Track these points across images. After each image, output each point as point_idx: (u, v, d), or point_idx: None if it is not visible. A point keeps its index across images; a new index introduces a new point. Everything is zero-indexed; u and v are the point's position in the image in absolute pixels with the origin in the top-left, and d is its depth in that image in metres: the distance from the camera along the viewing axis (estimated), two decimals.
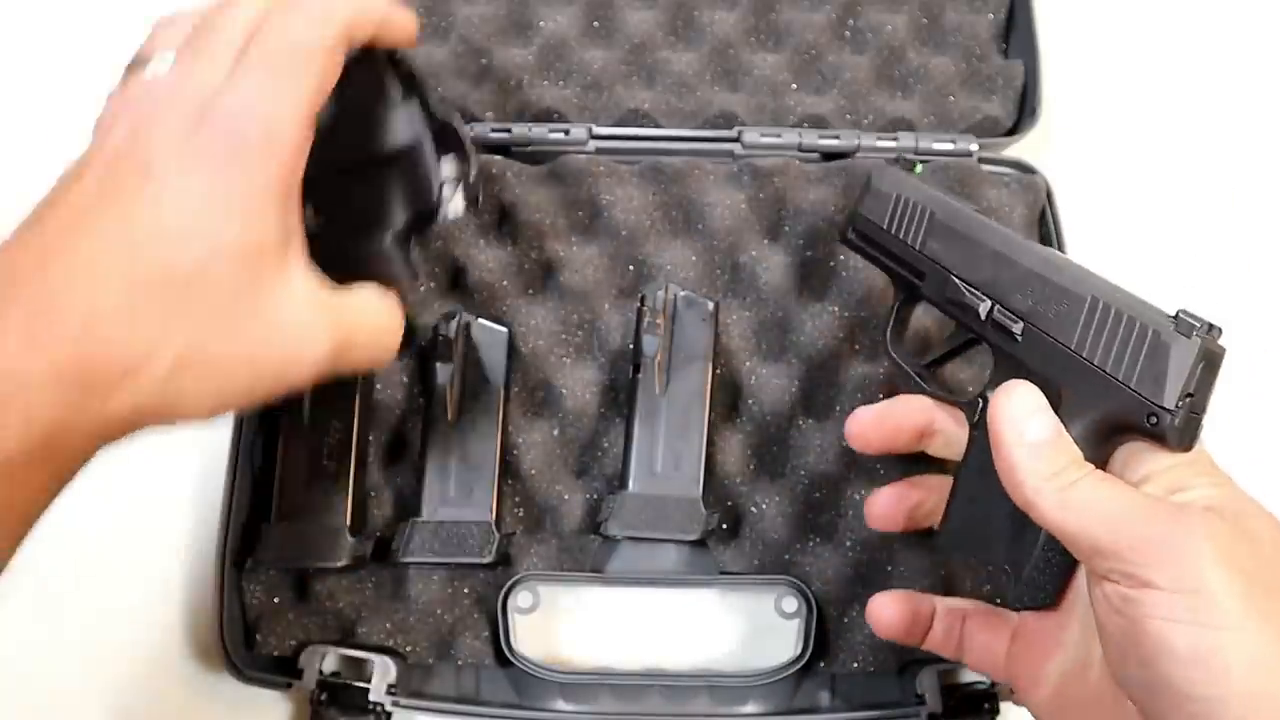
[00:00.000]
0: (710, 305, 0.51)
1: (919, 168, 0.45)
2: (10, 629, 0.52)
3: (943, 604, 0.43)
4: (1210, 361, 0.36)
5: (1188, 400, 0.35)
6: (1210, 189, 0.62)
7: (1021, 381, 0.37)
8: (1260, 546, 0.33)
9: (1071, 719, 0.38)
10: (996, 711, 0.48)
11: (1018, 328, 0.39)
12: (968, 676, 0.50)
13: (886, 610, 0.43)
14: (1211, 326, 0.36)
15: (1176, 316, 0.36)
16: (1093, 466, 0.35)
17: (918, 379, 0.45)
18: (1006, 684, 0.42)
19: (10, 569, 0.53)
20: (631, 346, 0.52)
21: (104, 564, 0.53)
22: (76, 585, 0.52)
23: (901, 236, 0.44)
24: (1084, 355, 0.37)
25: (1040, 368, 0.38)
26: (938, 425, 0.44)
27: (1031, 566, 0.38)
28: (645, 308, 0.51)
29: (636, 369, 0.51)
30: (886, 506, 0.44)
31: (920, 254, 0.43)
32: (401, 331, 0.38)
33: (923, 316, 0.50)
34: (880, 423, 0.44)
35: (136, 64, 0.35)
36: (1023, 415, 0.36)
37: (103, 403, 0.30)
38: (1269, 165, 0.62)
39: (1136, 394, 0.36)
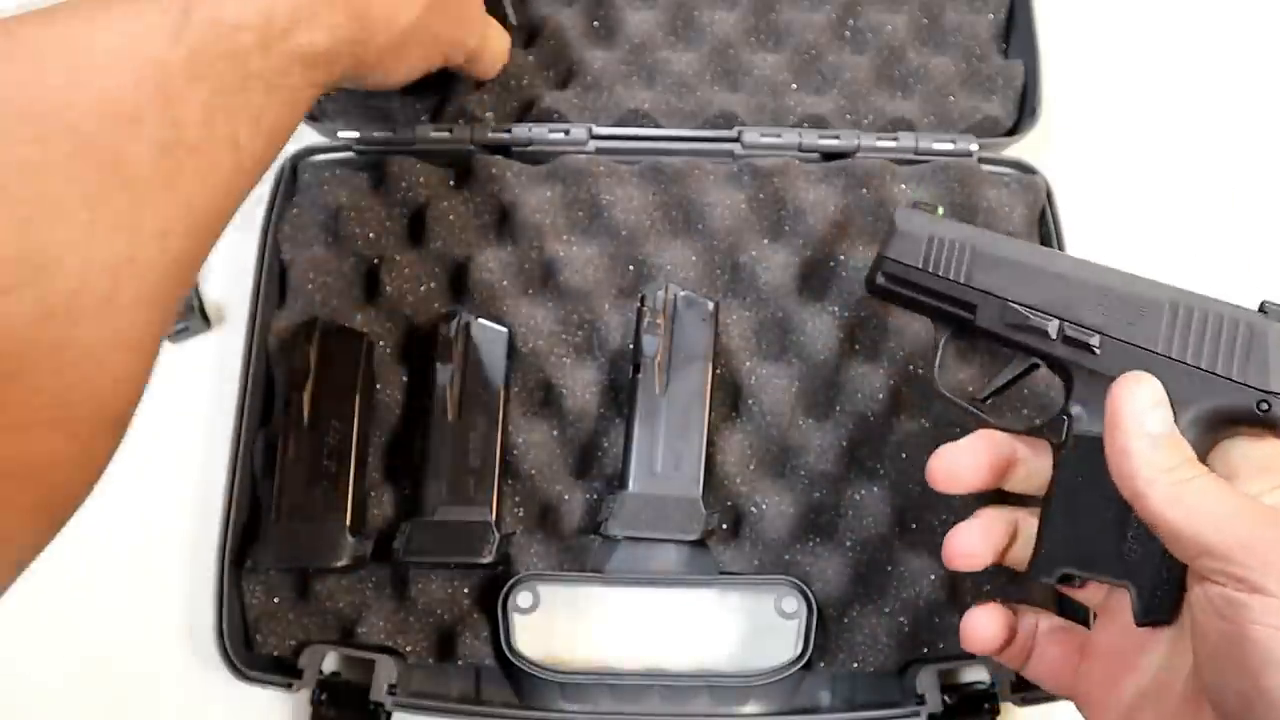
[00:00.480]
0: (710, 305, 0.51)
1: (941, 210, 0.45)
2: (10, 629, 0.52)
3: (1021, 615, 0.42)
4: None
5: None
6: (1210, 189, 0.62)
7: (1145, 374, 0.36)
8: None
9: None
10: (996, 711, 0.48)
11: (1095, 340, 0.40)
12: (968, 676, 0.50)
13: (986, 629, 0.41)
14: None
15: (1263, 307, 0.38)
16: (1206, 469, 0.35)
17: (978, 415, 0.44)
18: (1071, 700, 0.40)
19: None
20: (631, 346, 0.52)
21: (104, 564, 0.53)
22: (76, 585, 0.52)
23: (942, 274, 0.43)
24: (1176, 356, 0.38)
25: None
26: (1019, 455, 0.42)
27: (1153, 578, 0.36)
28: (645, 308, 0.51)
29: (636, 369, 0.51)
30: (969, 544, 0.41)
31: (967, 287, 0.43)
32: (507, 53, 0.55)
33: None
34: (974, 458, 0.42)
35: None
36: (1145, 407, 0.35)
37: (369, 38, 0.41)
38: (1269, 165, 0.62)
39: (1242, 384, 0.36)
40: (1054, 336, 0.41)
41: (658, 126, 0.58)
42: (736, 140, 0.57)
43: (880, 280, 0.45)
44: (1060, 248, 0.55)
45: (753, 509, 0.51)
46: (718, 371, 0.52)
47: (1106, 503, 0.37)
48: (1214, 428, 0.37)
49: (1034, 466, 0.42)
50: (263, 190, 0.56)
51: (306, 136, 0.58)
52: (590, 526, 0.51)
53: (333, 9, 0.38)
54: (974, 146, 0.57)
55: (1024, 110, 0.59)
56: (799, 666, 0.48)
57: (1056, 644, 0.41)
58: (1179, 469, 0.34)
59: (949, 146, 0.57)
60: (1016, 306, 0.42)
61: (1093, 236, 0.57)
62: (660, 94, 0.59)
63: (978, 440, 0.42)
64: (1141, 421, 0.35)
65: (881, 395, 0.52)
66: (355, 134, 0.57)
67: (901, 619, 0.49)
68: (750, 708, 0.50)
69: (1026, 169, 0.57)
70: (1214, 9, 0.66)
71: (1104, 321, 0.40)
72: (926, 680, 0.48)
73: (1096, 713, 0.39)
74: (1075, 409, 0.40)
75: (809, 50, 0.60)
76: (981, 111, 0.58)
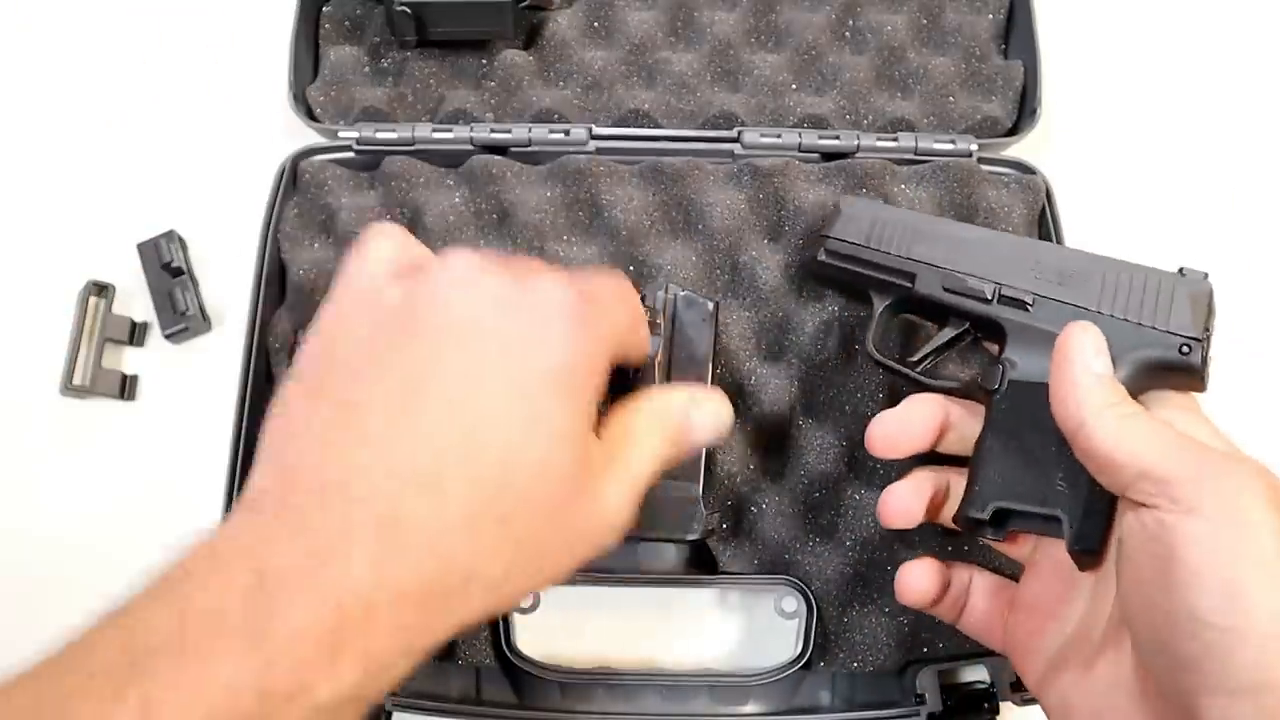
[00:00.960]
0: (710, 305, 0.51)
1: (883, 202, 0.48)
2: (10, 630, 0.52)
3: (954, 570, 0.44)
4: (1212, 303, 0.42)
5: (1207, 334, 0.41)
6: (1210, 189, 0.62)
7: (1090, 324, 0.39)
8: None
9: (1063, 692, 0.38)
10: (996, 711, 0.48)
11: (1028, 298, 0.44)
12: (967, 676, 0.50)
13: (920, 581, 0.43)
14: (1206, 275, 0.42)
15: (1180, 270, 0.42)
16: (1143, 407, 0.37)
17: (917, 379, 0.47)
18: (1002, 653, 0.43)
19: (9, 570, 0.54)
20: None
21: (103, 564, 0.53)
22: (76, 586, 0.52)
23: (884, 249, 0.48)
24: (1104, 311, 0.42)
25: (1060, 328, 0.41)
26: (953, 419, 0.44)
27: (1085, 508, 0.39)
28: (645, 307, 0.51)
29: (637, 370, 0.51)
30: (903, 501, 0.43)
31: (908, 259, 0.47)
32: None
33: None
34: (904, 426, 0.44)
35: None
36: (1092, 351, 0.38)
37: (439, 625, 0.29)
38: (1269, 165, 0.62)
39: (1165, 332, 0.41)
40: (989, 297, 0.45)
41: (658, 127, 0.58)
42: (736, 140, 0.57)
43: (823, 257, 0.49)
44: None
45: (753, 509, 0.51)
46: (717, 371, 0.52)
47: (1040, 441, 0.40)
48: (1142, 376, 0.40)
49: (965, 430, 0.44)
50: (263, 190, 0.56)
51: (306, 136, 0.58)
52: None
53: (356, 641, 0.27)
54: (974, 147, 0.57)
55: (1024, 110, 0.59)
56: (799, 666, 0.48)
57: (988, 598, 0.44)
58: (1122, 404, 0.36)
59: (949, 147, 0.57)
60: (955, 272, 0.46)
61: (1092, 236, 0.56)
62: (660, 94, 0.59)
63: (913, 403, 0.44)
64: (1088, 362, 0.38)
65: (881, 395, 0.52)
66: (355, 134, 0.57)
67: (901, 619, 0.49)
68: (750, 707, 0.50)
69: (1026, 169, 0.57)
70: (1214, 9, 0.66)
71: (1035, 284, 0.44)
72: (926, 680, 0.48)
73: (1024, 662, 0.41)
74: (1010, 358, 0.43)
75: (809, 50, 0.60)
76: (981, 112, 0.58)
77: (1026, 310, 0.44)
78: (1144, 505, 0.34)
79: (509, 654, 0.48)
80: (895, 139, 0.57)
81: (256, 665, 0.26)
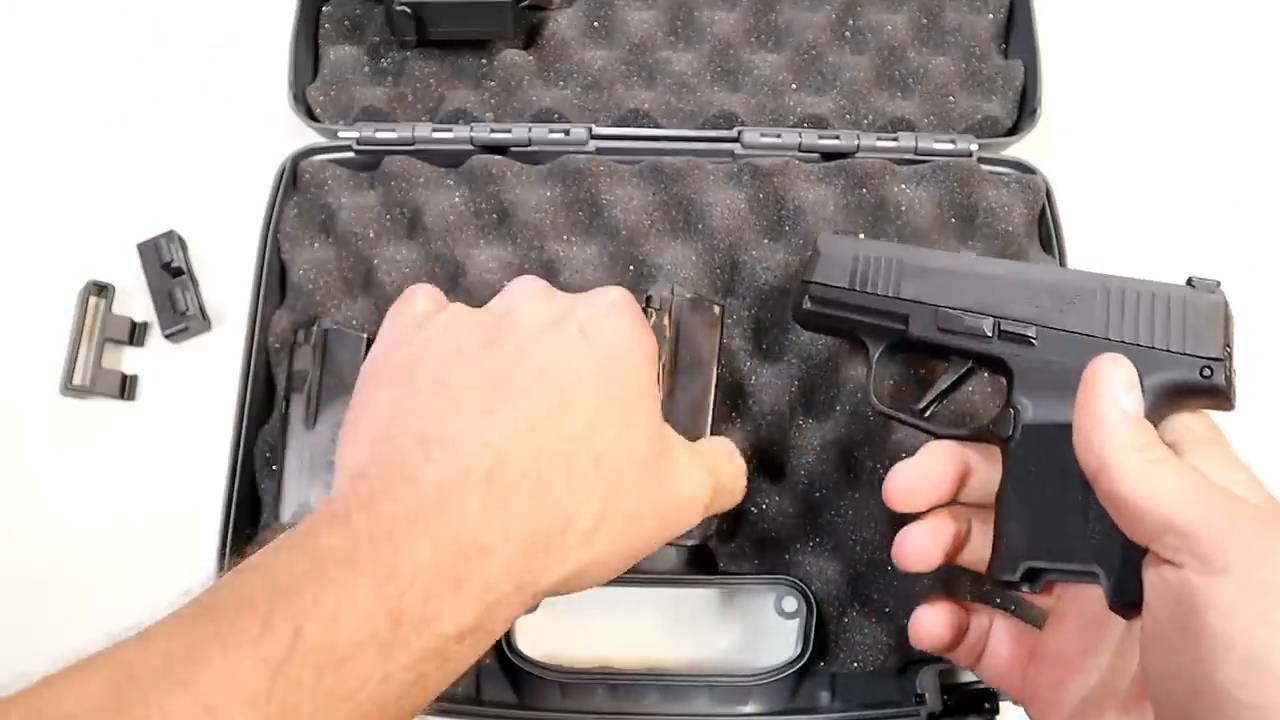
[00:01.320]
0: (717, 309, 0.50)
1: (861, 235, 0.46)
2: (10, 630, 0.52)
3: (972, 614, 0.42)
4: (1229, 315, 0.39)
5: (1228, 351, 0.38)
6: (1210, 189, 0.62)
7: (1121, 356, 0.36)
8: None
9: None
10: (996, 711, 0.48)
11: (1030, 331, 0.41)
12: (968, 676, 0.50)
13: (935, 626, 0.41)
14: (1218, 283, 0.40)
15: (1190, 281, 0.40)
16: (1173, 452, 0.35)
17: (926, 428, 0.44)
18: (1019, 704, 0.41)
19: (9, 569, 0.54)
20: None
21: (103, 564, 0.53)
22: (75, 586, 0.52)
23: (871, 290, 0.44)
24: (1114, 338, 0.39)
25: (1071, 361, 0.39)
26: (973, 464, 0.42)
27: (1122, 559, 0.35)
28: (650, 308, 0.50)
29: None
30: (920, 544, 0.41)
31: (898, 299, 0.44)
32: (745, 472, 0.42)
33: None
34: (923, 479, 0.41)
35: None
36: (1121, 386, 0.35)
37: (543, 568, 0.32)
38: (1269, 165, 0.62)
39: (1183, 354, 0.38)
40: (989, 334, 0.42)
41: (658, 127, 0.58)
42: (736, 140, 0.57)
43: (808, 305, 0.46)
44: (1060, 247, 0.55)
45: (753, 509, 0.51)
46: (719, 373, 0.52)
47: (1063, 489, 0.37)
48: (1162, 403, 0.38)
49: (985, 475, 0.42)
50: (263, 190, 0.56)
51: (306, 136, 0.58)
52: None
53: (475, 583, 0.30)
54: (974, 146, 0.57)
55: (1023, 110, 0.59)
56: (799, 666, 0.48)
57: (1008, 645, 0.41)
58: (1149, 447, 0.34)
59: (949, 146, 0.57)
60: (950, 310, 0.43)
61: (1092, 236, 0.57)
62: (660, 94, 0.59)
63: (930, 452, 0.42)
64: (1116, 398, 0.35)
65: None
66: (355, 134, 0.57)
67: (901, 619, 0.49)
68: (750, 707, 0.50)
69: (1026, 169, 0.57)
70: (1213, 9, 0.66)
71: (1037, 314, 0.41)
72: (926, 680, 0.48)
73: (1043, 715, 0.39)
74: (1020, 401, 0.40)
75: (809, 50, 0.60)
76: (981, 111, 0.58)
77: (1031, 345, 0.41)
78: (1169, 562, 0.31)
79: (509, 653, 0.48)
80: (895, 139, 0.57)
81: (389, 595, 0.28)
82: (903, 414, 0.45)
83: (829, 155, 0.57)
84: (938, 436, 0.43)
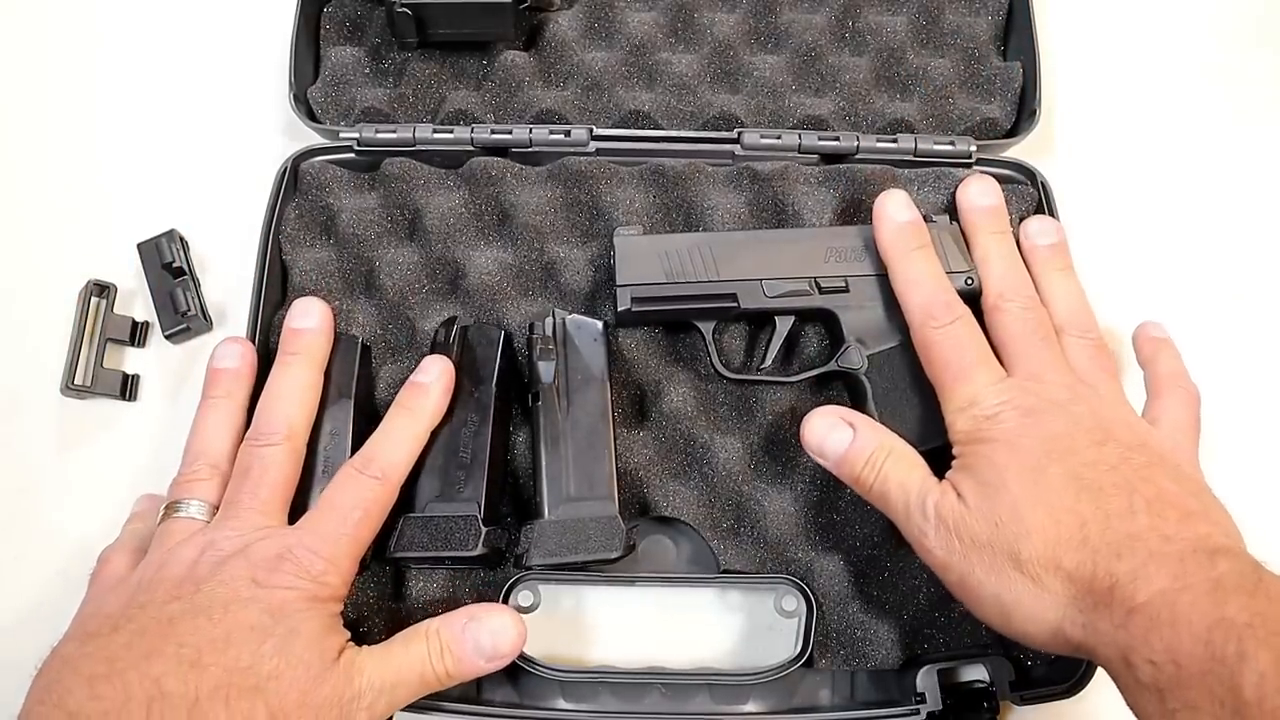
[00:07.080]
0: (599, 325, 0.51)
1: (641, 230, 0.52)
2: (11, 631, 0.52)
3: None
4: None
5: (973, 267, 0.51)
6: (1210, 189, 0.62)
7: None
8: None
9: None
10: (996, 710, 0.48)
11: (842, 282, 0.50)
12: (967, 675, 0.50)
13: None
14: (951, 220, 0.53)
15: (927, 216, 0.52)
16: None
17: (777, 380, 0.51)
18: None
19: (10, 569, 0.54)
20: (525, 378, 0.52)
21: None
22: (76, 586, 0.52)
23: (693, 278, 0.50)
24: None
25: (882, 295, 0.50)
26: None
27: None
28: (535, 335, 0.51)
29: (535, 397, 0.50)
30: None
31: (723, 281, 0.50)
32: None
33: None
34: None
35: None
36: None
37: None
38: (1269, 166, 0.63)
39: (950, 272, 0.50)
40: (811, 290, 0.50)
41: (658, 128, 0.58)
42: (736, 141, 0.57)
43: (632, 307, 0.50)
44: None
45: (753, 508, 0.52)
46: (617, 388, 0.51)
47: (920, 389, 0.48)
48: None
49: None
50: (263, 191, 0.56)
51: (307, 137, 0.58)
52: None
53: None
54: (973, 148, 0.57)
55: (1023, 112, 0.59)
56: (799, 665, 0.48)
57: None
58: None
59: (948, 148, 0.57)
60: (773, 279, 0.50)
61: (1092, 237, 0.57)
62: (660, 95, 0.59)
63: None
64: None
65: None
66: (355, 134, 0.57)
67: (901, 618, 0.50)
68: (750, 706, 0.50)
69: (1025, 170, 0.57)
70: (1213, 9, 0.66)
71: (845, 267, 0.50)
72: (926, 679, 0.48)
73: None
74: (852, 338, 0.50)
75: (809, 52, 0.60)
76: (980, 113, 0.59)
77: (847, 293, 0.50)
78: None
79: None
80: (895, 140, 0.57)
81: None
82: (753, 375, 0.52)
83: (829, 156, 0.57)
84: (793, 384, 0.52)
